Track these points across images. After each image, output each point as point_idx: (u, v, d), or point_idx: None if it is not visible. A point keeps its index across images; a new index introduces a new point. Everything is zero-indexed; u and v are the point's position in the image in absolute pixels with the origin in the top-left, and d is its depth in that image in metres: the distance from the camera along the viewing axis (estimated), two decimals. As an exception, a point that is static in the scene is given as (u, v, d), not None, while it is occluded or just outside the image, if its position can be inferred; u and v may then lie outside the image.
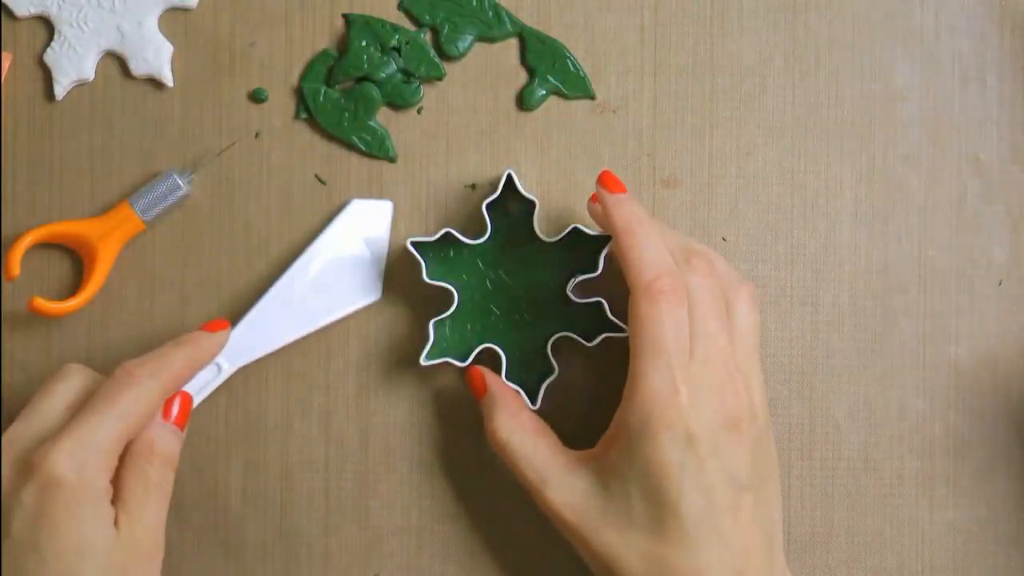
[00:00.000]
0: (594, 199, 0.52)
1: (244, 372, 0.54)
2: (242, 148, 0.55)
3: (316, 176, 0.55)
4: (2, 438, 0.47)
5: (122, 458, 0.48)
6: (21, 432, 0.47)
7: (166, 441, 0.49)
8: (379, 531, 0.55)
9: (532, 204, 0.52)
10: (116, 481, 0.47)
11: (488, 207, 0.52)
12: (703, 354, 0.47)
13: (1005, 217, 0.55)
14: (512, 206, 0.53)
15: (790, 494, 0.54)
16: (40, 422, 0.47)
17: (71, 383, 0.49)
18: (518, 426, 0.51)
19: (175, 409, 0.50)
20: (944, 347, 0.55)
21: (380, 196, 0.55)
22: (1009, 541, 0.55)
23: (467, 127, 0.55)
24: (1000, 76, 0.55)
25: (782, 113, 0.55)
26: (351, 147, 0.55)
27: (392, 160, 0.55)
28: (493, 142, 0.55)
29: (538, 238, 0.52)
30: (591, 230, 0.52)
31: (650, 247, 0.49)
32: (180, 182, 0.53)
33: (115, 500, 0.47)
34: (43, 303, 0.52)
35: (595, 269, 0.52)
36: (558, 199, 0.55)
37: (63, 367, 0.49)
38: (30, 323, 0.54)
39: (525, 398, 0.52)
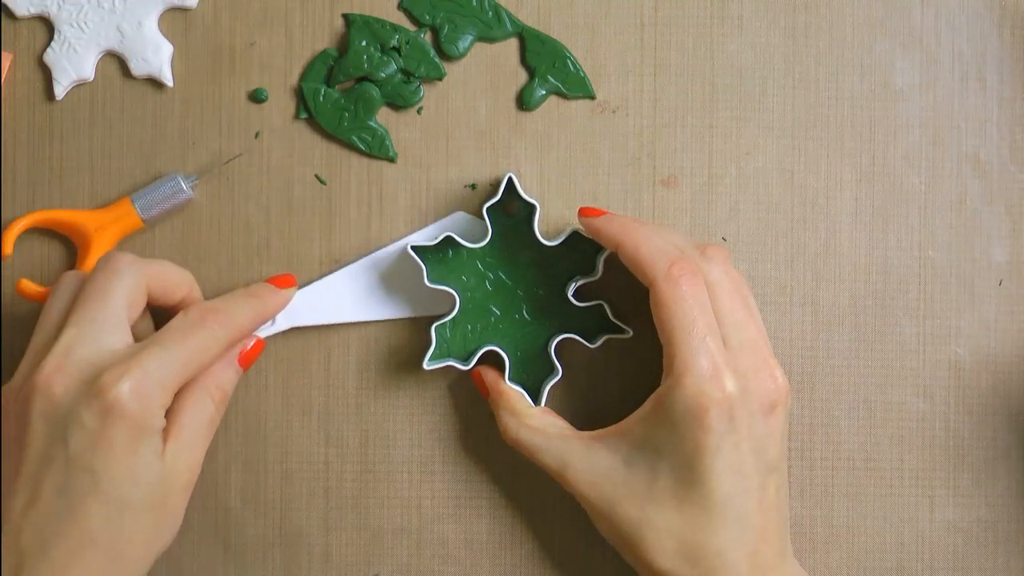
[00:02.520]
0: (583, 213, 0.52)
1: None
2: (242, 148, 0.55)
3: (316, 176, 0.55)
4: (60, 342, 0.47)
5: (182, 389, 0.49)
6: (80, 339, 0.47)
7: (231, 380, 0.51)
8: (379, 531, 0.55)
9: (533, 207, 0.52)
10: (171, 412, 0.48)
11: (489, 210, 0.52)
12: (737, 342, 0.48)
13: (1005, 217, 0.55)
14: (513, 209, 0.53)
15: (790, 494, 0.54)
16: (99, 330, 0.47)
17: (125, 281, 0.48)
18: (525, 424, 0.51)
19: (247, 348, 0.51)
20: (944, 347, 0.55)
21: (381, 196, 0.55)
22: (1009, 541, 0.55)
23: (467, 127, 0.55)
24: (1000, 76, 0.55)
25: (782, 113, 0.55)
26: (351, 147, 0.55)
27: (392, 160, 0.55)
28: (493, 142, 0.55)
29: (538, 241, 0.52)
30: None
31: (652, 241, 0.49)
32: (184, 185, 0.53)
33: (167, 430, 0.48)
34: (29, 285, 0.52)
35: (595, 273, 0.52)
36: (558, 199, 0.55)
37: (112, 258, 0.49)
38: (30, 324, 0.54)
39: (528, 399, 0.52)
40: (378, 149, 0.54)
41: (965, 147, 0.55)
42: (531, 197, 0.52)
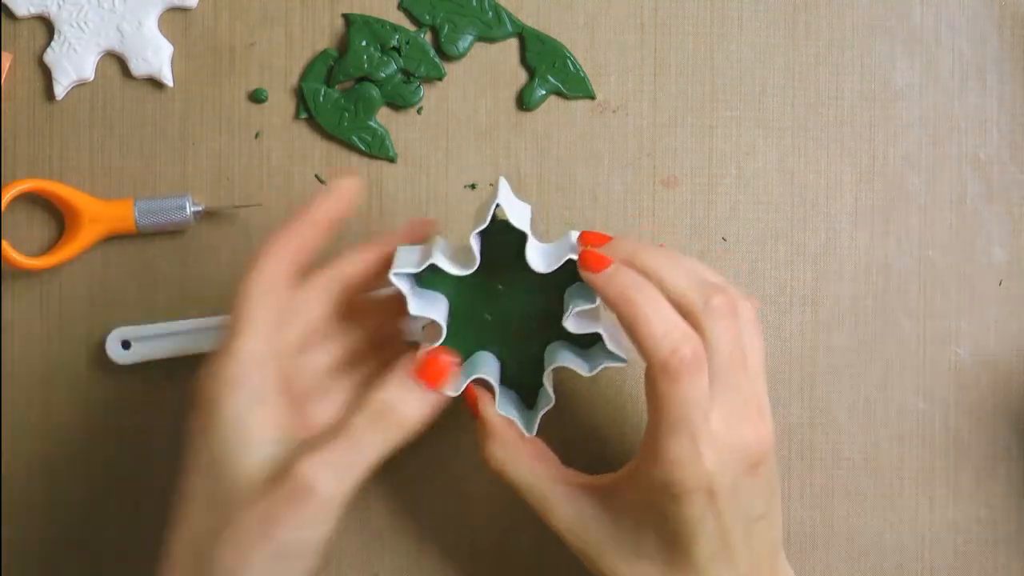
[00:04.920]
0: (583, 266, 0.47)
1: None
2: (242, 148, 0.55)
3: (316, 176, 0.55)
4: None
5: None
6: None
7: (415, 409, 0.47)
8: (379, 531, 0.55)
9: (523, 236, 0.46)
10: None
11: (478, 237, 0.47)
12: (726, 404, 0.45)
13: (1005, 217, 0.55)
14: (504, 235, 0.48)
15: (790, 494, 0.54)
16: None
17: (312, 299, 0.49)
18: (511, 455, 0.49)
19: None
20: (944, 347, 0.55)
21: (381, 196, 0.55)
22: (1009, 541, 0.55)
23: (467, 127, 0.55)
24: (1000, 76, 0.55)
25: (782, 113, 0.55)
26: (351, 147, 0.55)
27: (392, 160, 0.55)
28: (493, 142, 0.55)
29: (530, 268, 0.46)
30: None
31: (655, 315, 0.45)
32: (188, 209, 0.53)
33: None
34: (8, 250, 0.52)
35: (593, 300, 0.47)
36: (558, 199, 0.55)
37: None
38: (30, 324, 0.54)
39: (522, 428, 0.49)
40: (378, 149, 0.54)
41: (965, 147, 0.55)
42: (522, 225, 0.46)
